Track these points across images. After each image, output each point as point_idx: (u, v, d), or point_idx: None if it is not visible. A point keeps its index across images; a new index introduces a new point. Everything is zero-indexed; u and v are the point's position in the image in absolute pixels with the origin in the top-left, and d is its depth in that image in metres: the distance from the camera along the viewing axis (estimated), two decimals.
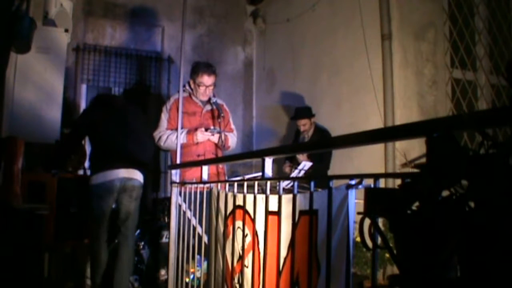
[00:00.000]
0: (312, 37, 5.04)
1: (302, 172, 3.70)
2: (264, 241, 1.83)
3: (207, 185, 2.53)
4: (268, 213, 1.83)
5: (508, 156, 0.83)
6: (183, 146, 3.39)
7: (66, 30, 4.01)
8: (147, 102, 5.67)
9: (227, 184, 2.31)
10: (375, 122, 3.80)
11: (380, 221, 1.24)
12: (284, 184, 2.22)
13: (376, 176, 1.35)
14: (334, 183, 1.51)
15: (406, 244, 0.93)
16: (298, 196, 1.69)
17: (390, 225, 0.96)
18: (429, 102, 3.84)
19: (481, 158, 0.87)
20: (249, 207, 2.00)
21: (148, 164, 3.56)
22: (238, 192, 2.16)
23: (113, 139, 3.32)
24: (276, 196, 1.79)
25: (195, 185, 2.62)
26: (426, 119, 1.10)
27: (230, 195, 2.22)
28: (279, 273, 1.73)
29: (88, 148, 3.89)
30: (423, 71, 3.86)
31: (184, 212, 2.76)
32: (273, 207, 1.82)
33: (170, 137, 3.58)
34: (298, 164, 3.94)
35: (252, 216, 1.97)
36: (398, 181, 1.14)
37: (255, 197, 1.95)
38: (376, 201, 1.04)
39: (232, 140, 3.78)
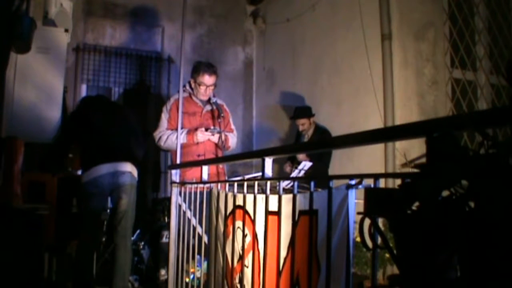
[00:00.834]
0: (312, 37, 5.04)
1: (302, 172, 3.70)
2: (264, 241, 1.83)
3: (207, 185, 2.53)
4: (268, 213, 1.83)
5: (508, 156, 0.83)
6: (183, 146, 3.39)
7: (66, 30, 4.01)
8: (147, 102, 5.68)
9: (227, 184, 2.30)
10: (375, 122, 3.80)
11: (380, 221, 1.24)
12: (284, 184, 2.22)
13: (376, 176, 1.35)
14: (334, 183, 1.51)
15: (406, 244, 0.93)
16: (298, 196, 1.69)
17: (390, 225, 0.96)
18: (429, 102, 3.84)
19: (481, 158, 0.87)
20: (249, 207, 2.00)
21: (139, 159, 3.50)
22: (238, 192, 2.16)
23: (101, 134, 3.29)
24: (276, 196, 1.79)
25: (195, 185, 2.61)
26: (426, 119, 1.10)
27: (230, 195, 2.22)
28: (279, 273, 1.73)
29: None
30: (423, 71, 3.86)
31: (184, 212, 2.76)
32: (273, 207, 1.82)
33: (170, 137, 3.58)
34: (298, 163, 3.94)
35: (252, 216, 1.97)
36: (398, 181, 1.14)
37: (255, 197, 1.95)
38: (376, 201, 1.04)
39: (232, 141, 3.78)
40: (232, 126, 3.88)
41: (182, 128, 3.31)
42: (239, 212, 2.13)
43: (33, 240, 2.91)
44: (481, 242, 0.81)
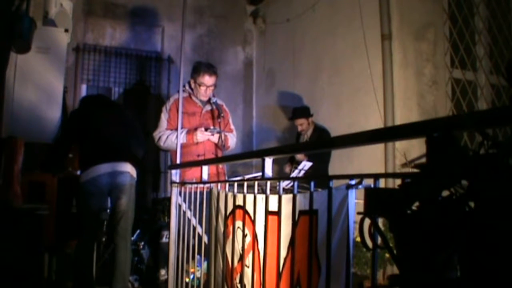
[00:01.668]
0: (312, 37, 5.04)
1: (302, 172, 3.70)
2: (264, 241, 1.83)
3: (207, 185, 2.52)
4: (268, 213, 1.83)
5: (508, 156, 0.83)
6: (183, 146, 3.39)
7: (66, 30, 4.01)
8: (147, 102, 5.68)
9: (227, 184, 2.30)
10: (375, 122, 3.80)
11: (380, 221, 1.24)
12: (284, 184, 2.22)
13: (376, 176, 1.35)
14: (334, 183, 1.51)
15: (406, 244, 0.93)
16: (298, 196, 1.69)
17: (390, 225, 0.96)
18: (429, 102, 3.84)
19: (481, 158, 0.87)
20: (249, 207, 1.99)
21: (139, 158, 3.49)
22: (238, 192, 2.16)
23: (100, 134, 3.29)
24: (276, 196, 1.79)
25: (195, 185, 2.61)
26: (426, 119, 1.10)
27: (230, 195, 2.22)
28: (279, 273, 1.73)
29: None
30: (423, 71, 3.86)
31: (184, 212, 2.76)
32: (273, 207, 1.82)
33: (170, 137, 3.58)
34: (298, 163, 3.94)
35: (252, 216, 1.97)
36: (398, 181, 1.14)
37: (255, 197, 1.95)
38: (376, 201, 1.04)
39: (232, 141, 3.78)
40: (232, 126, 3.87)
41: (181, 128, 3.30)
42: (239, 212, 2.13)
43: (33, 240, 2.91)
44: (481, 242, 0.81)
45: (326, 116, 4.60)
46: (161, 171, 5.52)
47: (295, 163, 4.17)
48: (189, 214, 2.71)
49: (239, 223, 2.12)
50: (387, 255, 3.17)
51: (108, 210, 3.45)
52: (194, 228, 2.66)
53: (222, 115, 3.60)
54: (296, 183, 1.76)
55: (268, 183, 1.87)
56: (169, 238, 2.92)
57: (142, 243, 4.10)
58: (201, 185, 2.56)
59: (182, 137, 3.41)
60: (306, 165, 3.70)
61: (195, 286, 2.62)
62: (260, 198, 1.92)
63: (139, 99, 5.59)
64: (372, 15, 4.02)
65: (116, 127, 3.36)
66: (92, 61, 5.39)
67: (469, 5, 3.99)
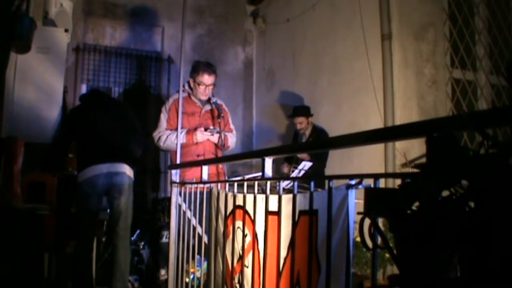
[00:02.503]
0: (312, 37, 5.04)
1: (302, 172, 3.70)
2: (264, 241, 1.83)
3: (207, 185, 2.52)
4: (268, 213, 1.83)
5: (508, 156, 0.83)
6: (182, 146, 3.39)
7: (66, 30, 4.01)
8: (147, 102, 5.68)
9: (227, 184, 2.30)
10: (375, 122, 3.80)
11: (380, 221, 1.24)
12: (284, 184, 2.22)
13: (376, 176, 1.35)
14: (334, 183, 1.51)
15: (406, 244, 0.93)
16: (298, 196, 1.69)
17: (390, 225, 0.96)
18: (429, 102, 3.84)
19: (481, 158, 0.87)
20: (249, 207, 1.99)
21: (137, 157, 3.48)
22: (238, 192, 2.16)
23: (97, 134, 3.28)
24: (276, 196, 1.79)
25: (195, 185, 2.61)
26: (426, 119, 1.10)
27: (230, 195, 2.22)
28: (279, 273, 1.73)
29: None
30: (423, 71, 3.86)
31: (184, 212, 2.76)
32: (273, 207, 1.82)
33: (170, 137, 3.58)
34: (298, 163, 3.94)
35: (252, 216, 1.97)
36: (398, 181, 1.14)
37: (255, 197, 1.95)
38: (376, 201, 1.04)
39: (232, 140, 3.78)
40: (231, 126, 3.87)
41: (181, 128, 3.30)
42: (239, 212, 2.13)
43: (33, 240, 2.91)
44: (481, 242, 0.81)
45: (326, 116, 4.60)
46: (161, 171, 5.52)
47: (294, 163, 4.17)
48: (189, 214, 2.71)
49: (239, 223, 2.12)
50: (387, 255, 3.17)
51: (108, 210, 3.45)
52: (194, 228, 2.66)
53: (221, 115, 3.60)
54: (296, 183, 1.76)
55: (268, 183, 1.87)
56: (169, 238, 2.92)
57: (142, 243, 4.10)
58: (201, 185, 2.56)
59: (181, 137, 3.41)
60: (306, 165, 3.71)
61: (195, 286, 2.62)
62: (260, 198, 1.92)
63: (139, 99, 5.59)
64: (372, 15, 4.02)
65: (113, 126, 3.35)
66: (92, 61, 5.39)
67: (469, 5, 3.99)
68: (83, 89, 5.39)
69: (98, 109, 3.40)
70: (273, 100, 5.70)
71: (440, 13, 3.94)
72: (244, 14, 6.23)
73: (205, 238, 2.61)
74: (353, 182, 1.44)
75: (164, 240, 3.79)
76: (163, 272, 3.65)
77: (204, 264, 2.68)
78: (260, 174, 1.91)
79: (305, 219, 1.65)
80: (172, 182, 2.92)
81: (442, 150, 0.95)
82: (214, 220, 2.40)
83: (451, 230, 0.86)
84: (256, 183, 2.03)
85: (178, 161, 3.18)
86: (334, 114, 4.54)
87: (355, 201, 1.46)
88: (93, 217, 3.27)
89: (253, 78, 6.23)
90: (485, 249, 0.81)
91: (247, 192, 2.03)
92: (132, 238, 4.18)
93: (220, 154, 3.70)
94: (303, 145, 3.73)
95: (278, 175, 4.29)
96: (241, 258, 2.09)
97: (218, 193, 2.35)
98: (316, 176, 3.75)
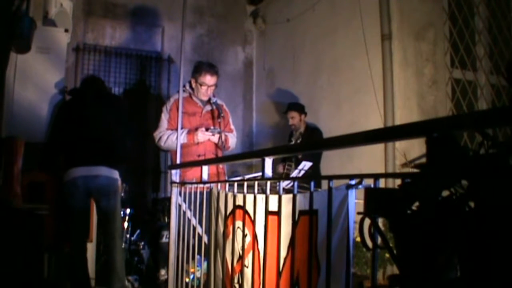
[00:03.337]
0: (312, 37, 5.04)
1: (302, 172, 3.70)
2: (264, 241, 1.83)
3: (207, 185, 2.52)
4: (268, 213, 1.83)
5: (508, 156, 0.83)
6: (183, 146, 3.39)
7: (66, 30, 4.01)
8: (147, 102, 5.67)
9: (227, 184, 2.30)
10: (375, 122, 3.80)
11: (380, 221, 1.24)
12: (284, 184, 2.22)
13: (376, 176, 1.35)
14: (334, 183, 1.51)
15: (406, 244, 0.93)
16: (298, 196, 1.69)
17: (390, 225, 0.96)
18: (429, 102, 3.84)
19: (481, 158, 0.87)
20: (249, 207, 1.99)
21: (124, 154, 3.43)
22: (238, 192, 2.16)
23: (77, 133, 3.26)
24: (276, 196, 1.79)
25: (195, 185, 2.61)
26: (426, 119, 1.10)
27: (230, 195, 2.22)
28: (279, 273, 1.73)
29: None
30: (423, 71, 3.86)
31: (184, 212, 2.76)
32: (273, 207, 1.82)
33: (171, 137, 3.58)
34: (296, 163, 3.95)
35: (252, 216, 1.97)
36: (398, 181, 1.14)
37: (255, 197, 1.95)
38: (376, 201, 1.04)
39: (232, 141, 3.78)
40: (232, 126, 3.87)
41: (182, 128, 3.30)
42: (239, 212, 2.13)
43: (33, 240, 2.91)
44: (481, 242, 0.81)
45: (326, 116, 4.60)
46: (161, 171, 5.51)
47: (289, 161, 4.18)
48: (189, 214, 2.71)
49: (239, 223, 2.12)
50: (387, 255, 3.17)
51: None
52: (194, 228, 2.66)
53: (222, 115, 3.60)
54: (296, 183, 1.76)
55: (268, 183, 1.87)
56: (169, 238, 2.92)
57: (142, 243, 4.10)
58: (201, 185, 2.56)
59: (182, 137, 3.41)
60: (306, 165, 3.71)
61: (195, 286, 2.62)
62: (260, 198, 1.92)
63: (139, 99, 5.59)
64: (372, 15, 4.02)
65: (98, 122, 3.30)
66: (92, 61, 5.39)
67: (469, 5, 3.98)
68: None
69: (83, 105, 3.35)
70: (273, 100, 5.70)
71: (440, 13, 3.94)
72: (244, 14, 6.23)
73: (205, 238, 2.61)
74: (353, 182, 1.44)
75: (164, 240, 3.79)
76: (163, 272, 3.65)
77: (204, 264, 2.68)
78: (260, 174, 1.91)
79: (305, 219, 1.65)
80: (172, 182, 2.92)
81: (442, 150, 0.95)
82: (214, 220, 2.40)
83: (451, 230, 0.86)
84: (256, 183, 2.03)
85: (178, 161, 3.18)
86: (334, 114, 4.54)
87: (355, 201, 1.46)
88: (81, 216, 3.26)
89: (253, 78, 6.23)
90: (485, 249, 0.81)
91: (247, 192, 2.03)
92: (132, 238, 4.18)
93: (220, 154, 3.70)
94: (303, 145, 3.74)
95: (274, 175, 4.30)
96: (241, 258, 2.09)
97: (218, 193, 2.35)
98: (316, 176, 3.75)
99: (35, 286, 2.96)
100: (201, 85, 3.62)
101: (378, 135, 1.40)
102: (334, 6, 4.68)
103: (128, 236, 4.12)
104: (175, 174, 2.96)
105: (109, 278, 3.20)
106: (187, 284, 2.67)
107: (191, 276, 2.71)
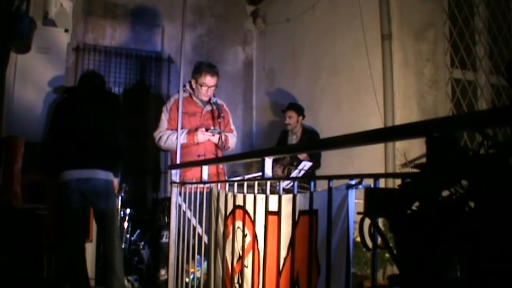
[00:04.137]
0: (312, 37, 5.04)
1: (302, 172, 3.70)
2: (264, 241, 1.83)
3: (207, 185, 2.52)
4: (268, 213, 1.83)
5: (508, 156, 0.83)
6: (183, 146, 3.38)
7: (66, 30, 4.01)
8: (147, 102, 5.68)
9: (227, 184, 2.30)
10: (375, 122, 3.80)
11: (380, 221, 1.24)
12: (284, 184, 2.22)
13: (376, 176, 1.35)
14: (334, 183, 1.51)
15: (406, 244, 0.93)
16: (298, 196, 1.69)
17: (390, 225, 0.96)
18: (429, 102, 3.84)
19: (481, 158, 0.87)
20: (249, 207, 1.99)
21: (116, 157, 3.40)
22: (238, 192, 2.16)
23: (70, 134, 3.24)
24: (276, 196, 1.79)
25: (195, 185, 2.61)
26: (426, 119, 1.10)
27: (230, 195, 2.22)
28: (279, 273, 1.73)
29: None
30: (423, 71, 3.86)
31: (184, 212, 2.76)
32: (273, 207, 1.82)
33: (171, 137, 3.58)
34: (295, 164, 3.95)
35: (252, 216, 1.97)
36: (398, 181, 1.14)
37: (255, 197, 1.95)
38: (376, 201, 1.04)
39: (232, 141, 3.78)
40: (232, 127, 3.87)
41: (182, 128, 3.30)
42: (239, 212, 2.13)
43: (33, 240, 2.91)
44: (481, 242, 0.81)
45: (326, 116, 4.60)
46: (161, 171, 5.52)
47: (290, 163, 4.19)
48: (189, 214, 2.71)
49: (239, 223, 2.12)
50: (387, 255, 3.17)
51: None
52: (194, 228, 2.66)
53: (222, 115, 3.60)
54: (296, 183, 1.76)
55: (268, 183, 1.87)
56: (169, 238, 2.92)
57: (142, 243, 4.10)
58: (201, 185, 2.56)
59: (182, 138, 3.41)
60: (306, 165, 3.71)
61: (195, 286, 2.62)
62: (260, 198, 1.92)
63: (139, 99, 5.59)
64: (372, 15, 4.02)
65: (89, 121, 3.27)
66: (92, 61, 5.39)
67: (469, 5, 3.98)
68: None
69: (75, 104, 3.33)
70: (273, 100, 5.71)
71: (440, 13, 3.94)
72: (244, 14, 6.23)
73: (205, 238, 2.61)
74: (353, 182, 1.44)
75: (164, 240, 3.79)
76: (163, 272, 3.65)
77: (204, 264, 2.68)
78: (260, 174, 1.91)
79: (305, 219, 1.65)
80: (172, 182, 2.92)
81: (442, 150, 0.95)
82: (214, 220, 2.40)
83: (451, 230, 0.86)
84: (256, 183, 2.03)
85: (178, 161, 3.18)
86: (334, 114, 4.55)
87: (355, 201, 1.46)
88: (77, 216, 3.25)
89: (253, 78, 6.23)
90: (485, 249, 0.81)
91: (247, 192, 2.03)
92: (132, 238, 4.18)
93: (220, 155, 3.70)
94: (303, 145, 3.74)
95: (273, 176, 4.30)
96: (241, 258, 2.09)
97: (218, 193, 2.35)
98: (316, 176, 3.75)
99: (35, 286, 2.96)
100: (201, 85, 3.62)
101: (378, 135, 1.40)
102: (334, 6, 4.68)
103: (128, 236, 4.12)
104: (175, 174, 2.96)
105: (108, 278, 3.20)
106: (187, 284, 2.67)
107: (191, 276, 2.71)
